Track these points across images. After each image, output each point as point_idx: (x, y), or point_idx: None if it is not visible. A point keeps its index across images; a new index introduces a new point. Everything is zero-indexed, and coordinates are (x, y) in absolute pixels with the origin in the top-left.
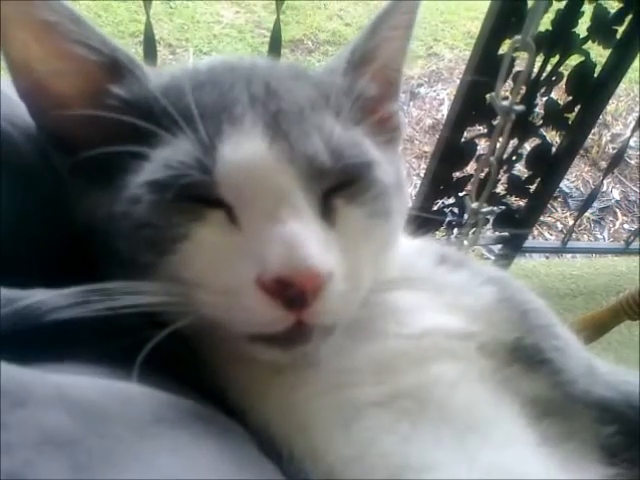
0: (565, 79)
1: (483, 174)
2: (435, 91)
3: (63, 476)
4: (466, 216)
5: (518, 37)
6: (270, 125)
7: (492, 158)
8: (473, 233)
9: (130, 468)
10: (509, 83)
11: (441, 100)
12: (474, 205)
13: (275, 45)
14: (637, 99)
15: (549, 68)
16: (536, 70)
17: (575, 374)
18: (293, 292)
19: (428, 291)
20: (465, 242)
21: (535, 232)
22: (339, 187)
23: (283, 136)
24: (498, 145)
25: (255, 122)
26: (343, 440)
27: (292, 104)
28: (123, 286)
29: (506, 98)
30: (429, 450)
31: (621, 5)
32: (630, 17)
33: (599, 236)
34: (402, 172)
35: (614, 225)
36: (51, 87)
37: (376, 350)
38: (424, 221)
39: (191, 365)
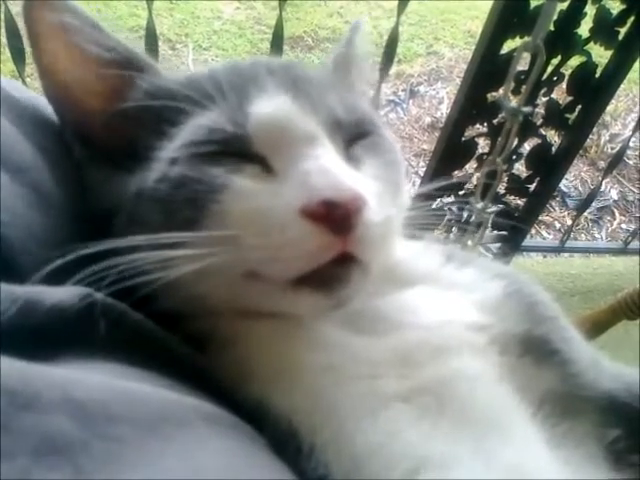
0: (566, 79)
1: (485, 173)
2: (435, 89)
3: None
4: (465, 215)
5: (529, 39)
6: (291, 87)
7: (499, 158)
8: (477, 232)
9: (136, 471)
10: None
11: (440, 99)
12: (479, 205)
13: (277, 41)
14: (636, 99)
15: (550, 68)
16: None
17: (583, 365)
18: (339, 212)
19: (438, 288)
20: (469, 242)
21: (533, 231)
22: (356, 138)
23: (304, 94)
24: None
25: (277, 86)
26: (371, 427)
27: (306, 75)
28: (168, 236)
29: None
30: (449, 447)
31: (624, 6)
32: (632, 18)
33: (597, 236)
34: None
35: (612, 225)
36: (78, 86)
37: (396, 341)
38: (423, 220)
39: (199, 363)
